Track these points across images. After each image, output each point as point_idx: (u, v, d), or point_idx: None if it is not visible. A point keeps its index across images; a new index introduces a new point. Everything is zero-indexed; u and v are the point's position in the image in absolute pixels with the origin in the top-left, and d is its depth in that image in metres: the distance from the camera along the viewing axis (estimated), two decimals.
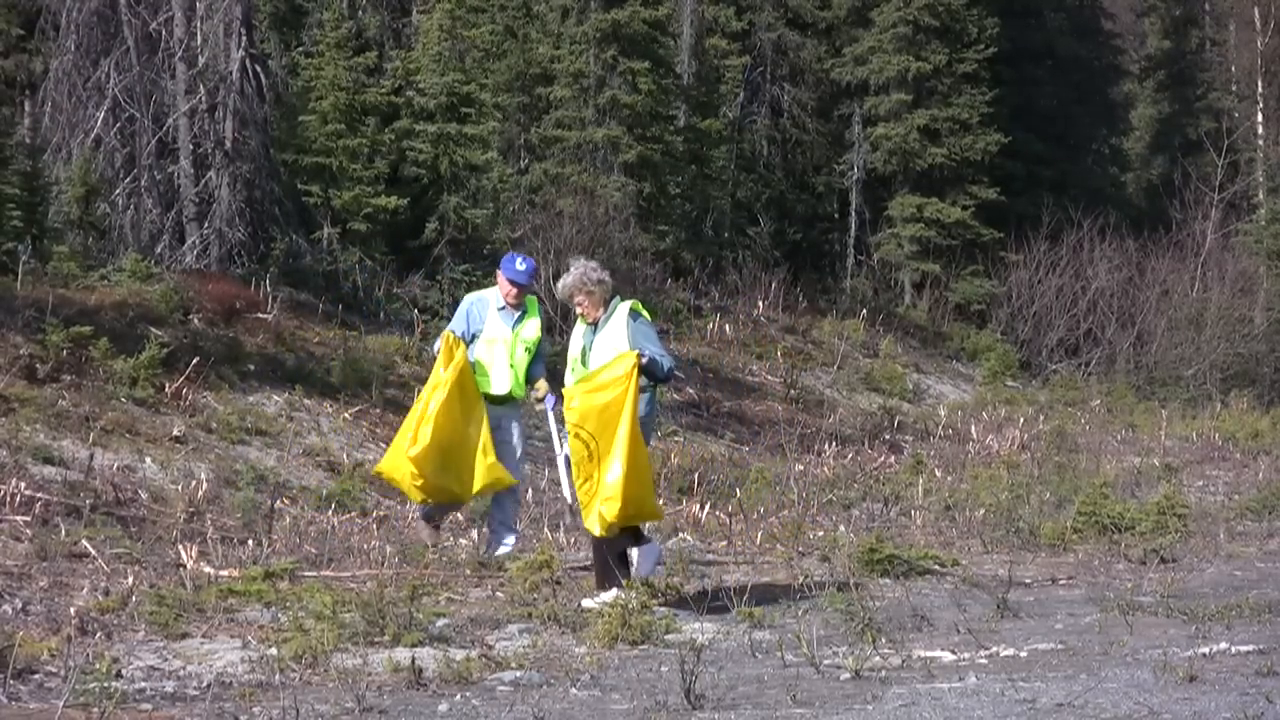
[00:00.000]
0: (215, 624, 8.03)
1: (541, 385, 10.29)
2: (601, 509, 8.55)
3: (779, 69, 33.89)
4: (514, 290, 10.19)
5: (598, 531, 8.73)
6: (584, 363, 9.10)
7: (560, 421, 9.65)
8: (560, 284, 9.33)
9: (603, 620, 7.99)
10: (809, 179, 34.49)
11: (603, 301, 9.13)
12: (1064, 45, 36.95)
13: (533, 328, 10.28)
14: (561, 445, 9.78)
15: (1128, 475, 16.93)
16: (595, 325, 9.13)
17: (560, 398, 9.41)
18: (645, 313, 9.32)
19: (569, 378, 9.18)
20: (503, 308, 10.23)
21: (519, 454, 10.49)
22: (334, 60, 21.43)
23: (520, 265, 10.27)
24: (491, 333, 10.19)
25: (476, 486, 9.91)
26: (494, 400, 10.11)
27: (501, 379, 10.18)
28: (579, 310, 9.23)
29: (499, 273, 10.32)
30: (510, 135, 27.41)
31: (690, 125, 29.11)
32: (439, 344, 10.04)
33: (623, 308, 9.11)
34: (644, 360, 8.74)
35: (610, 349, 8.95)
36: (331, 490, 13.23)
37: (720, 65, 31.76)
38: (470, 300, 10.43)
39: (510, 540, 10.33)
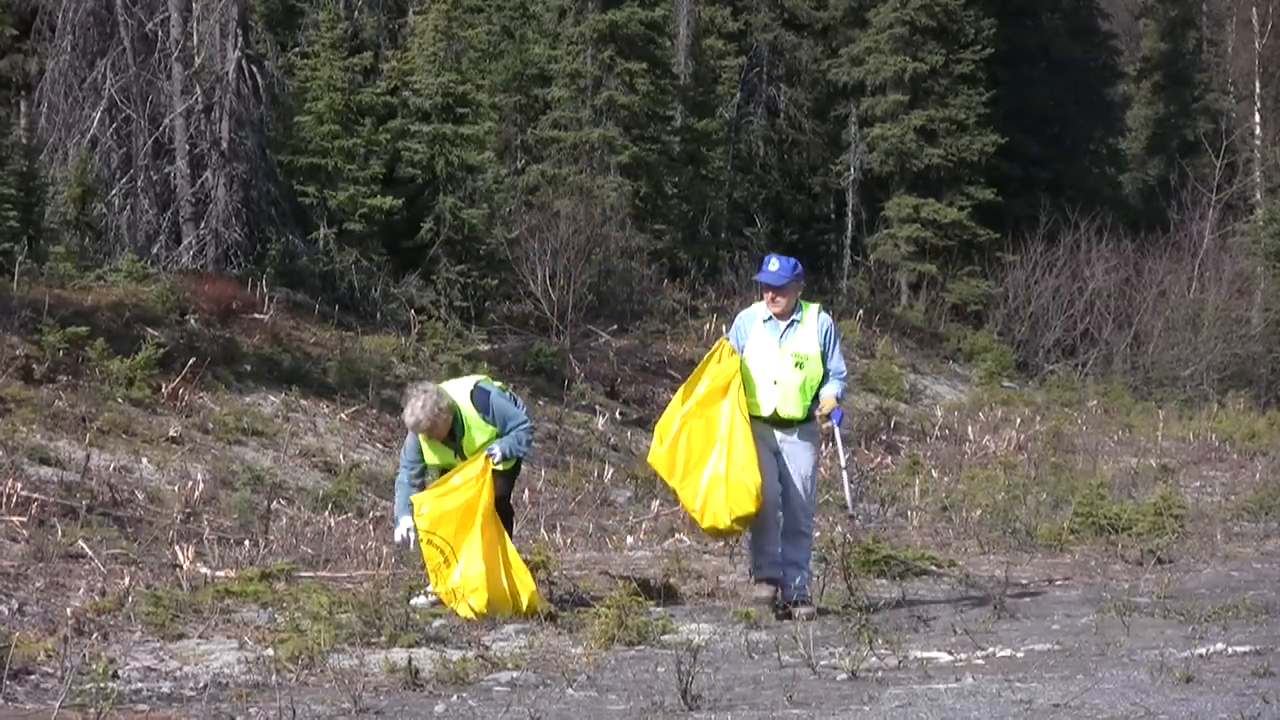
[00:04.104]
0: (212, 625, 8.02)
1: (826, 400, 8.97)
2: (470, 601, 8.48)
3: (775, 69, 33.92)
4: (770, 294, 8.97)
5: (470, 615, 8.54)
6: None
7: (846, 442, 9.48)
8: (410, 420, 8.79)
9: (599, 621, 7.99)
10: (805, 179, 34.50)
11: (450, 418, 8.77)
12: (1060, 46, 36.97)
13: (806, 340, 8.95)
14: (845, 455, 9.47)
15: (1124, 476, 16.93)
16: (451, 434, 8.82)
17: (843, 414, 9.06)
18: (493, 387, 9.05)
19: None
20: (768, 319, 9.01)
21: (809, 481, 9.06)
22: (330, 61, 21.39)
23: (773, 265, 9.02)
24: (754, 346, 8.97)
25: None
26: (769, 422, 8.90)
27: (767, 398, 8.90)
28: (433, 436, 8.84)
29: (759, 280, 9.19)
30: (507, 136, 27.42)
31: (687, 126, 29.13)
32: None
33: (464, 407, 8.77)
34: (496, 459, 8.65)
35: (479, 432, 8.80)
36: (328, 491, 13.23)
37: (717, 66, 31.77)
38: (741, 314, 9.31)
39: (799, 580, 8.98)
